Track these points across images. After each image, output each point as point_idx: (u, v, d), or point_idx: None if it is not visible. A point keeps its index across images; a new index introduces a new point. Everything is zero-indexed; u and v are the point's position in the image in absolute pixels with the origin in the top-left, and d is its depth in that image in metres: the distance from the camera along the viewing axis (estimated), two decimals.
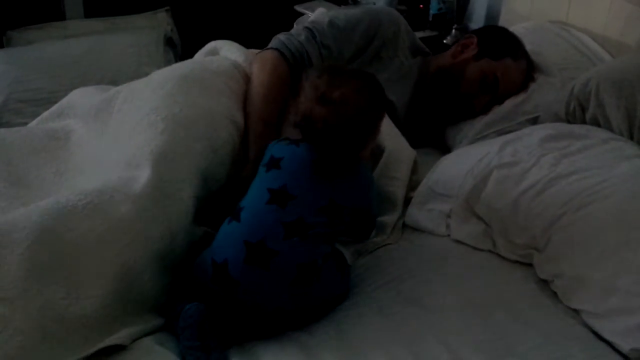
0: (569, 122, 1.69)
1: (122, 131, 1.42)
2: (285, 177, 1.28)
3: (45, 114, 1.67)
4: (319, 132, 1.29)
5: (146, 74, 1.61)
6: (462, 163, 1.57)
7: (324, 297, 1.28)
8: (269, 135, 1.47)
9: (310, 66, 1.60)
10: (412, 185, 1.62)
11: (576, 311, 1.28)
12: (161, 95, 1.43)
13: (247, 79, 1.59)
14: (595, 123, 1.63)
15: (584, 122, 1.66)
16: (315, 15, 1.79)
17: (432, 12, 2.64)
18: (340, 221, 1.29)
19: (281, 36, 1.66)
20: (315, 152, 1.30)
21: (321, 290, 1.26)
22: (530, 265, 1.40)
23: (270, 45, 1.64)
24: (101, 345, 1.14)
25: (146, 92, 1.46)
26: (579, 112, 1.67)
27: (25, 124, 1.77)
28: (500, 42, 1.84)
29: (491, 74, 1.78)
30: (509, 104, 1.79)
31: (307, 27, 1.68)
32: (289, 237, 1.22)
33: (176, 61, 2.26)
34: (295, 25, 1.84)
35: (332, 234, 1.29)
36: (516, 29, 2.05)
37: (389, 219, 1.52)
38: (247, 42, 1.84)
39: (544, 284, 1.36)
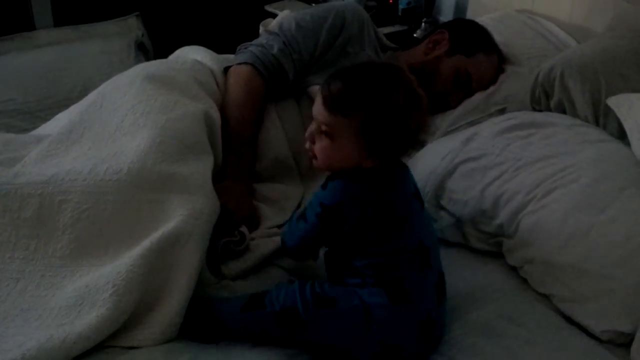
0: (534, 109, 1.70)
1: (103, 138, 1.39)
2: None
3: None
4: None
5: None
6: (426, 163, 1.56)
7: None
8: (247, 153, 1.54)
9: (285, 75, 1.63)
10: None
11: (546, 296, 1.30)
12: (133, 94, 1.43)
13: (215, 81, 1.61)
14: (560, 109, 1.65)
15: (548, 108, 1.67)
16: (281, 18, 1.78)
17: (401, 6, 2.65)
18: None
19: (254, 49, 1.65)
20: None
21: None
22: (500, 255, 1.41)
23: (244, 59, 1.64)
24: None
25: (117, 95, 1.46)
26: (543, 99, 1.68)
27: None
28: (471, 37, 1.83)
29: (464, 71, 1.78)
30: (478, 95, 1.79)
31: (277, 35, 1.68)
32: (440, 304, 1.18)
33: None
34: (261, 28, 1.83)
35: None
36: (483, 19, 2.07)
37: None
38: (218, 43, 1.85)
39: (514, 272, 1.38)
